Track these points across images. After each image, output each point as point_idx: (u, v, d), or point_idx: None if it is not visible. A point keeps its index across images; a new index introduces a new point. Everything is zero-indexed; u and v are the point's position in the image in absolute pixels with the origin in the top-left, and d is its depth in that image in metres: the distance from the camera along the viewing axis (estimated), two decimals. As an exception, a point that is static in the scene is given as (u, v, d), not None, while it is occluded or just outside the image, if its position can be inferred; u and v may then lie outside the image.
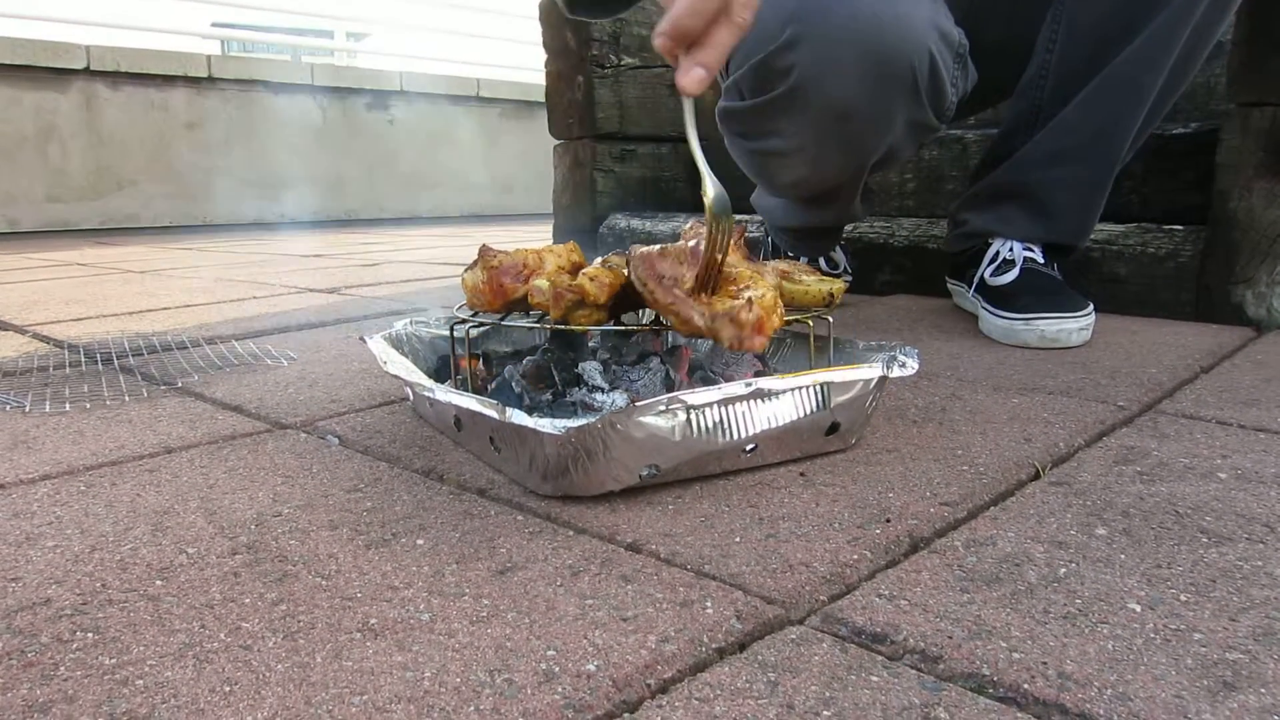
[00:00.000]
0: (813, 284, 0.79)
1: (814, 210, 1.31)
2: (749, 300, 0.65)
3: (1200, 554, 0.52)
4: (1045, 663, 0.40)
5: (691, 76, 0.62)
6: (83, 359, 1.17)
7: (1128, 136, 1.10)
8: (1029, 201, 1.16)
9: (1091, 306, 1.14)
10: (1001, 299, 1.16)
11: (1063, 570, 0.50)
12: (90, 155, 4.92)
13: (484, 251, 0.75)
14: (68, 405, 0.92)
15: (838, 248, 1.47)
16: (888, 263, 1.60)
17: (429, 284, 1.98)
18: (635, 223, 1.97)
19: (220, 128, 5.13)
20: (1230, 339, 1.17)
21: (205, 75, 5.11)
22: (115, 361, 1.15)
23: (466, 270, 0.77)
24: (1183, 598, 0.47)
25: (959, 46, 1.05)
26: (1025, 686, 0.39)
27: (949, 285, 1.37)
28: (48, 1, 6.37)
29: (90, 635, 0.45)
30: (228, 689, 0.39)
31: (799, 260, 1.37)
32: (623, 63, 2.08)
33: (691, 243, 0.69)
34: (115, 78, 4.95)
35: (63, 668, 0.42)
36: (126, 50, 5.17)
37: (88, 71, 4.86)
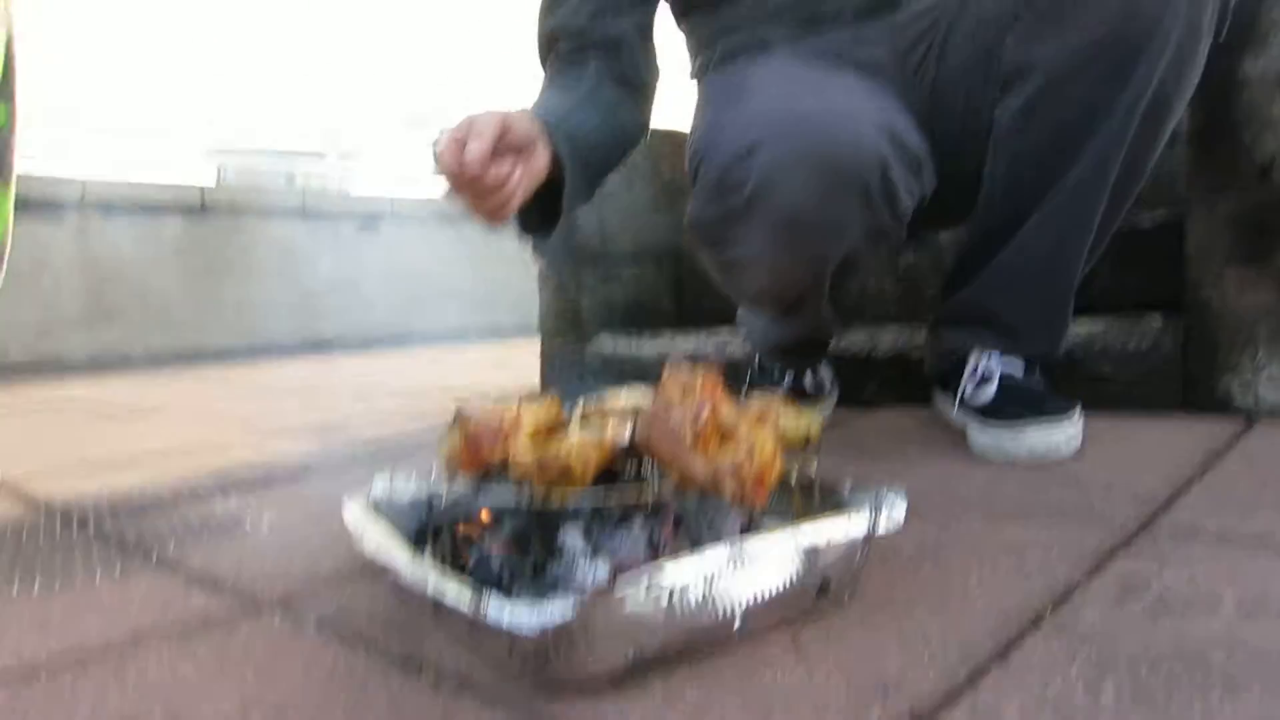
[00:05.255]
0: (789, 425, 0.78)
1: (787, 322, 1.32)
2: (749, 452, 0.65)
3: (1214, 706, 0.50)
4: None
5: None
6: (58, 524, 1.14)
7: (1081, 255, 1.12)
8: (995, 323, 1.18)
9: (1078, 411, 1.14)
10: (986, 414, 1.16)
11: (1071, 752, 0.48)
12: (82, 287, 4.98)
13: (460, 416, 0.74)
14: (36, 586, 0.89)
15: (823, 363, 1.48)
16: (873, 374, 1.60)
17: (417, 421, 1.97)
18: (621, 345, 1.98)
19: (212, 256, 5.21)
20: (1221, 433, 1.16)
21: (198, 205, 5.22)
22: (92, 525, 1.12)
23: (443, 434, 0.76)
24: (1200, 783, 0.44)
25: (915, 153, 1.05)
26: None
27: (934, 398, 1.36)
28: (47, 141, 6.55)
29: None
30: None
31: (779, 391, 1.36)
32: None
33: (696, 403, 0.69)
34: (109, 210, 5.05)
35: None
36: (120, 185, 5.30)
37: (82, 205, 4.97)
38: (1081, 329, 1.39)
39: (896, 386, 1.57)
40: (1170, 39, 0.96)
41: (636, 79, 1.28)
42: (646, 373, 1.94)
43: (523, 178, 0.98)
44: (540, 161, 1.01)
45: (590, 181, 1.17)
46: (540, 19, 1.28)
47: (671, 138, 2.27)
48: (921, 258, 1.79)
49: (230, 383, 3.50)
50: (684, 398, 0.75)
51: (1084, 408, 1.18)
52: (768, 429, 0.71)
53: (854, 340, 1.63)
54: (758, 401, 0.83)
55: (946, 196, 1.20)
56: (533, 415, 0.75)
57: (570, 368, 2.10)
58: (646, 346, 1.94)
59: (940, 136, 1.17)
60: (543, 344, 2.16)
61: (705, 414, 0.69)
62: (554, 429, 0.78)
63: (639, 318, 2.12)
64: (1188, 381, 1.30)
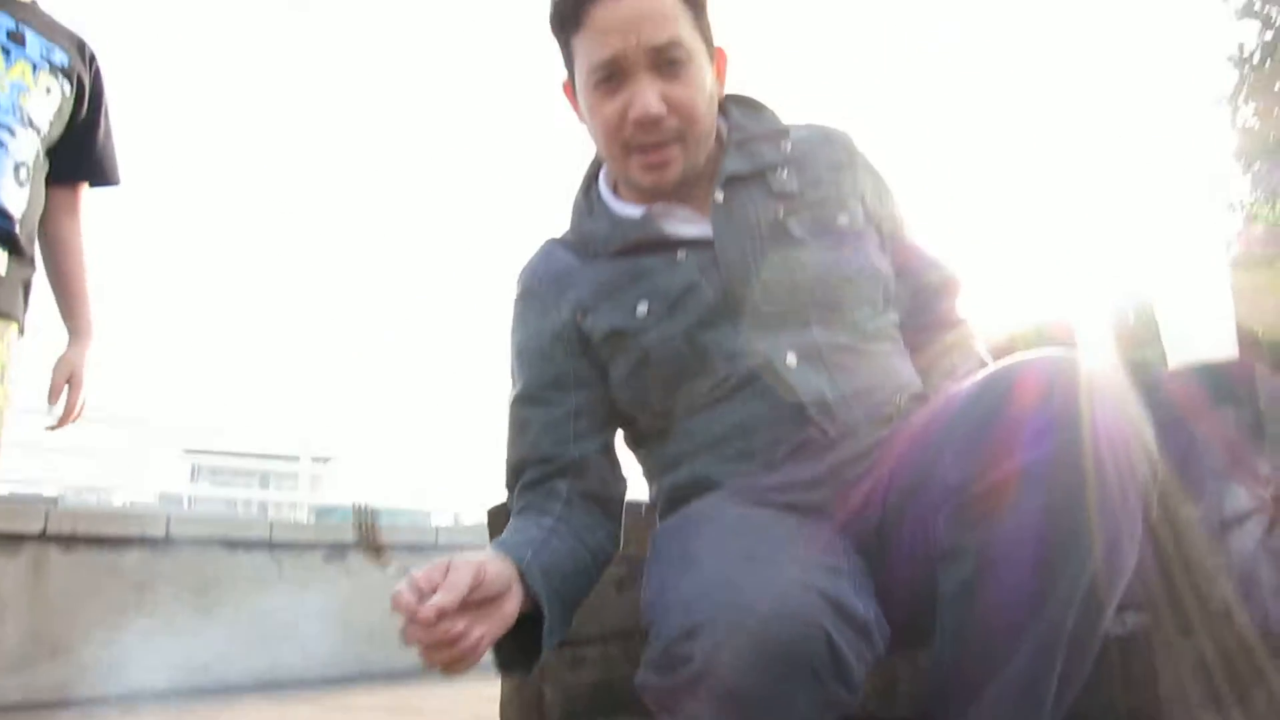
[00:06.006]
0: None
1: None
2: None
3: None
4: None
5: None
6: None
7: None
8: None
9: None
10: None
11: None
12: (29, 622, 4.75)
13: None
14: None
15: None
16: (853, 796, 1.50)
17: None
18: (586, 741, 1.87)
19: (172, 589, 5.05)
20: None
21: (163, 536, 5.14)
22: None
23: None
24: None
25: (862, 618, 1.01)
26: None
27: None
28: (14, 463, 6.54)
29: None
30: None
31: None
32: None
33: None
34: (70, 541, 4.95)
35: None
36: (85, 513, 5.25)
37: (43, 537, 4.87)
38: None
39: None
40: (1099, 535, 0.95)
41: (605, 494, 1.31)
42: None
43: (486, 635, 1.00)
44: (510, 607, 1.04)
45: (568, 614, 1.18)
46: (508, 451, 1.34)
47: (635, 510, 2.30)
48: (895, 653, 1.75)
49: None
50: None
51: None
52: None
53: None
54: None
55: (904, 624, 1.19)
56: None
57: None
58: (612, 746, 1.83)
59: (890, 574, 1.18)
60: (503, 737, 2.03)
61: None
62: None
63: (605, 703, 2.02)
64: (1181, 834, 1.23)
